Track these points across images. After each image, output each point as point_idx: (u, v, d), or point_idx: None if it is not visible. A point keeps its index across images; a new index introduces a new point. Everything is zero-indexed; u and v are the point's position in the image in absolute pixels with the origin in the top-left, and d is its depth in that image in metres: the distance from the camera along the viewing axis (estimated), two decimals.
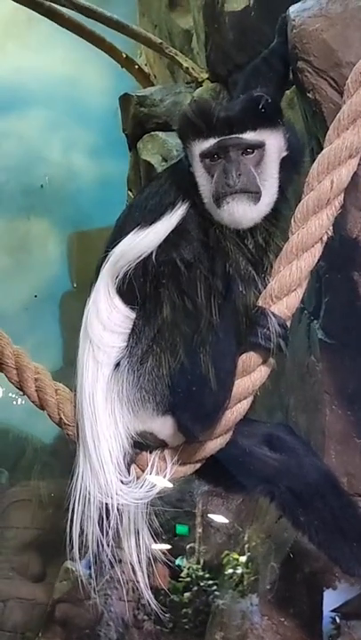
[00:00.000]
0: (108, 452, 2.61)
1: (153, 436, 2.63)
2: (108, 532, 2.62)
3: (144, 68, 7.62)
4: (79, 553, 2.68)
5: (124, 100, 6.58)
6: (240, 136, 2.57)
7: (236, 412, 2.60)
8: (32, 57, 9.38)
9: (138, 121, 6.32)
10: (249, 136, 2.58)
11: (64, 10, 6.91)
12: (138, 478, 2.63)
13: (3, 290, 9.14)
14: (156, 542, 2.73)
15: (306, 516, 2.86)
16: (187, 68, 6.14)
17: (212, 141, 2.59)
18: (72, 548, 2.68)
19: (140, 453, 2.67)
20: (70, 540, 2.68)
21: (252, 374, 2.59)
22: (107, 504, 2.60)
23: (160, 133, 6.11)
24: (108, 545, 2.63)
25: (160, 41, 6.56)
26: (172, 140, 5.88)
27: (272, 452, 2.83)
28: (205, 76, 5.95)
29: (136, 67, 7.44)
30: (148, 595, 2.75)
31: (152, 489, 2.61)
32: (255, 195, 2.57)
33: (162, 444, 2.65)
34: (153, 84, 7.35)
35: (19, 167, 9.51)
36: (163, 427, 2.61)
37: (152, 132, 6.20)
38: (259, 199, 2.58)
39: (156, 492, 2.62)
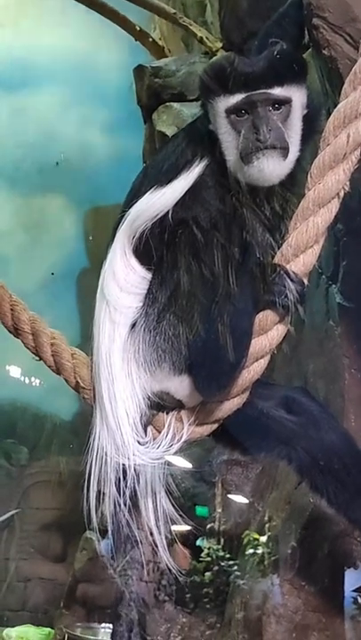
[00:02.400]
0: (125, 412, 2.60)
1: (170, 396, 2.62)
2: (125, 494, 2.62)
3: (158, 41, 7.57)
4: (98, 524, 2.67)
5: (139, 71, 6.56)
6: (268, 91, 2.53)
7: (253, 371, 2.58)
8: (45, 33, 9.34)
9: (152, 92, 6.30)
10: (277, 91, 2.53)
11: None
12: (155, 439, 2.63)
13: (20, 268, 9.16)
14: (176, 513, 2.72)
15: (324, 477, 2.84)
16: (201, 37, 6.11)
17: (238, 97, 2.54)
18: (90, 511, 2.67)
19: (157, 414, 2.65)
20: (88, 503, 2.67)
21: (268, 333, 2.56)
22: (124, 465, 2.60)
23: (175, 104, 6.09)
24: (126, 506, 2.63)
25: (174, 11, 6.53)
26: (187, 111, 5.86)
27: (289, 414, 2.82)
28: (219, 45, 5.92)
29: (150, 39, 7.40)
30: (165, 556, 2.73)
31: (169, 449, 2.60)
32: (284, 150, 2.54)
33: (179, 405, 2.64)
34: (167, 57, 7.31)
35: (34, 144, 9.50)
36: (179, 386, 2.60)
37: (167, 103, 6.18)
38: (287, 155, 2.54)
39: (173, 452, 2.61)
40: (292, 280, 2.52)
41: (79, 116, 9.66)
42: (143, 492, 2.68)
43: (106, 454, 2.62)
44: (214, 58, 5.85)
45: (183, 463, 2.73)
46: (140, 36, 7.27)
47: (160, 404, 2.64)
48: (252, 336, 2.55)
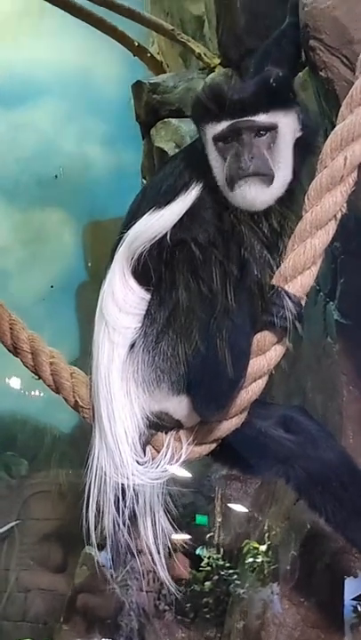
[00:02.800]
0: (124, 432, 2.61)
1: (168, 416, 2.64)
2: (124, 513, 2.63)
3: (156, 56, 7.61)
4: (97, 539, 2.68)
5: (137, 87, 6.59)
6: (252, 118, 2.56)
7: (251, 391, 2.60)
8: (45, 48, 9.38)
9: (151, 108, 6.33)
10: (261, 118, 2.56)
11: None
12: (153, 459, 2.64)
13: (20, 281, 9.18)
14: (175, 530, 2.73)
15: (322, 497, 2.86)
16: (199, 54, 6.14)
17: (224, 124, 2.58)
18: (88, 529, 2.68)
19: (156, 434, 2.66)
20: (87, 521, 2.68)
21: (266, 353, 2.58)
22: (123, 484, 2.61)
23: (173, 120, 6.12)
24: (125, 525, 2.64)
25: (172, 27, 6.57)
26: (185, 127, 5.89)
27: (287, 433, 2.83)
28: (217, 61, 5.95)
29: (148, 55, 7.44)
30: (164, 575, 2.74)
31: (168, 469, 2.61)
32: (268, 177, 2.56)
33: (177, 425, 2.65)
34: (165, 72, 7.35)
35: (33, 158, 9.54)
36: (178, 406, 2.61)
37: (165, 119, 6.21)
38: (271, 181, 2.56)
39: (172, 473, 2.62)
40: (290, 301, 2.54)
41: (78, 130, 9.70)
42: (142, 511, 2.69)
43: (105, 474, 2.63)
44: (211, 75, 5.90)
45: (182, 472, 2.74)
46: (139, 51, 7.31)
47: (159, 424, 2.65)
48: (251, 356, 2.57)
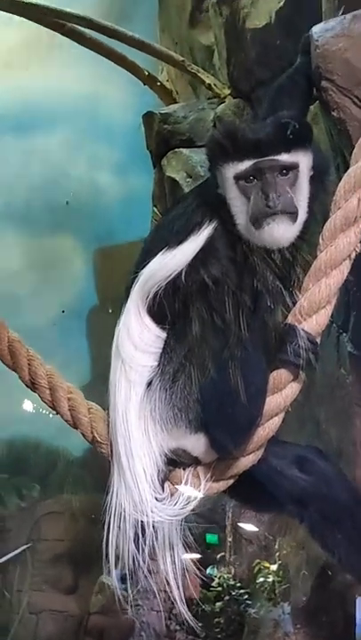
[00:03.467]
0: (142, 469, 2.64)
1: (186, 453, 2.67)
2: (143, 549, 2.65)
3: (166, 83, 7.68)
4: (114, 566, 2.71)
5: (148, 117, 6.66)
6: (276, 158, 2.60)
7: (268, 428, 2.63)
8: (55, 77, 9.47)
9: (162, 138, 6.39)
10: (284, 157, 2.60)
11: (85, 30, 7.00)
12: (172, 495, 2.66)
13: (31, 306, 9.23)
14: (186, 552, 2.76)
15: (335, 539, 2.85)
16: (209, 84, 6.20)
17: (247, 163, 2.61)
18: (108, 564, 2.71)
19: (174, 470, 2.69)
20: (107, 556, 2.70)
21: (283, 391, 2.61)
22: (142, 521, 2.63)
23: (184, 150, 6.18)
24: (144, 562, 2.66)
25: (182, 59, 6.63)
26: (196, 157, 5.95)
27: (302, 473, 2.84)
28: (228, 92, 6.00)
29: (158, 83, 7.50)
30: (183, 609, 2.76)
31: (186, 505, 2.64)
32: (293, 215, 2.61)
33: (195, 461, 2.68)
34: (175, 100, 7.42)
35: (44, 185, 9.61)
36: (196, 444, 2.64)
37: (176, 149, 6.26)
38: (296, 219, 2.61)
39: (191, 509, 2.65)
40: (305, 340, 2.57)
41: (88, 157, 9.78)
42: (161, 547, 2.71)
43: (124, 510, 2.65)
44: (221, 106, 5.95)
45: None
46: (149, 80, 7.38)
47: (177, 461, 2.68)
48: (267, 394, 2.60)
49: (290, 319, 2.61)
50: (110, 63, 7.48)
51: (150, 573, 2.74)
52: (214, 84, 6.13)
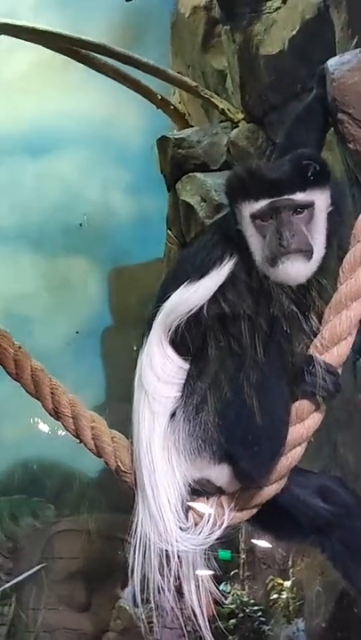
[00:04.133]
0: (167, 499, 2.66)
1: (210, 483, 2.69)
2: (168, 578, 2.68)
3: (178, 106, 7.76)
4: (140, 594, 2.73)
5: (162, 142, 6.73)
6: (291, 197, 2.63)
7: (291, 457, 2.66)
8: (69, 100, 9.59)
9: (176, 162, 6.46)
10: (299, 197, 2.63)
11: (99, 56, 7.08)
12: (196, 524, 2.69)
13: (46, 327, 9.30)
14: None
15: (357, 569, 2.86)
16: (222, 109, 6.26)
17: (262, 203, 2.65)
18: (134, 594, 2.73)
19: (198, 500, 2.72)
20: (133, 586, 2.73)
21: (305, 421, 2.64)
22: (166, 550, 2.66)
23: (198, 174, 6.24)
24: (170, 591, 2.69)
25: (195, 84, 6.71)
26: (210, 181, 6.00)
27: (325, 503, 2.85)
28: (241, 116, 6.07)
29: (171, 107, 7.59)
30: (208, 636, 2.78)
31: (210, 535, 2.67)
32: (308, 253, 2.64)
33: (219, 491, 2.70)
34: (188, 123, 7.50)
35: (58, 207, 9.71)
36: (219, 474, 2.66)
37: (190, 174, 6.32)
38: (311, 256, 2.64)
39: (215, 540, 2.67)
40: (326, 371, 2.60)
41: (102, 178, 9.87)
42: (185, 575, 2.73)
43: (149, 540, 2.68)
44: (235, 130, 6.01)
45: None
46: (162, 103, 7.47)
47: (200, 491, 2.71)
48: (290, 424, 2.63)
49: (311, 350, 2.64)
50: (123, 87, 7.57)
51: (175, 603, 2.76)
52: (228, 109, 6.20)
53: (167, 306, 2.74)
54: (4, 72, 9.62)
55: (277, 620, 4.62)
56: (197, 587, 2.76)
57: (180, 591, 2.75)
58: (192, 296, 2.69)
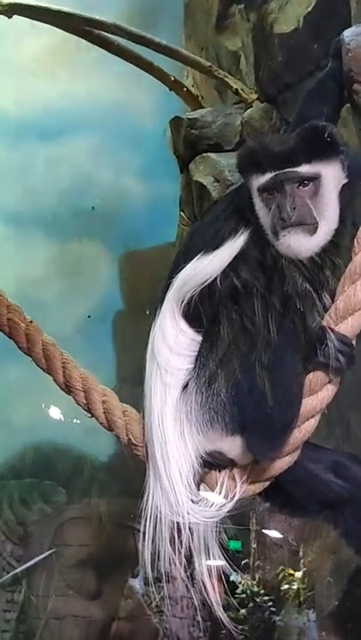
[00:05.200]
0: (178, 471, 2.65)
1: (222, 455, 2.67)
2: (179, 551, 2.67)
3: (191, 89, 7.72)
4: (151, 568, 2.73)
5: (175, 122, 6.70)
6: (294, 169, 2.61)
7: (304, 430, 2.64)
8: (81, 82, 9.56)
9: (189, 143, 6.43)
10: (303, 169, 2.61)
11: (112, 37, 7.05)
12: (208, 497, 2.68)
13: (57, 311, 9.30)
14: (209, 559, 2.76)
15: None
16: (236, 89, 6.22)
17: (268, 176, 2.63)
18: (144, 566, 2.72)
19: (210, 472, 2.71)
20: (143, 558, 2.72)
21: (318, 393, 2.62)
22: (178, 523, 2.65)
23: (212, 154, 6.21)
24: (181, 564, 2.68)
25: (209, 64, 6.67)
26: (223, 161, 5.97)
27: (338, 478, 2.84)
28: (255, 96, 6.03)
29: (184, 89, 7.55)
30: (220, 611, 2.77)
31: (222, 507, 2.65)
32: (311, 227, 2.61)
33: (231, 463, 2.69)
34: (201, 105, 7.46)
35: (70, 191, 9.69)
36: (232, 446, 2.65)
37: (203, 154, 6.29)
38: (315, 230, 2.61)
39: (226, 512, 2.66)
40: (341, 342, 2.58)
41: (114, 162, 9.84)
42: (197, 549, 2.72)
43: (160, 512, 2.67)
44: (249, 110, 5.97)
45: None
46: (175, 85, 7.43)
47: (212, 463, 2.70)
48: (303, 396, 2.61)
49: (325, 322, 2.62)
50: (136, 69, 7.54)
51: (187, 577, 2.75)
52: (242, 89, 6.16)
53: (180, 277, 2.72)
54: (17, 55, 9.58)
55: (288, 610, 4.60)
56: (208, 560, 2.75)
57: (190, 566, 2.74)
58: (206, 267, 2.67)
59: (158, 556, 2.69)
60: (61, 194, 9.67)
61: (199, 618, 5.75)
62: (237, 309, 2.63)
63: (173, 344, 2.72)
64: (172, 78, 7.41)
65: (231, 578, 5.42)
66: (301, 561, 4.62)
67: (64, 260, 9.88)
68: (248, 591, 5.52)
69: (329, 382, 2.63)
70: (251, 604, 5.46)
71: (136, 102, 9.39)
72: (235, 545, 5.57)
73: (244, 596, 5.52)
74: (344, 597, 4.00)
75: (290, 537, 4.99)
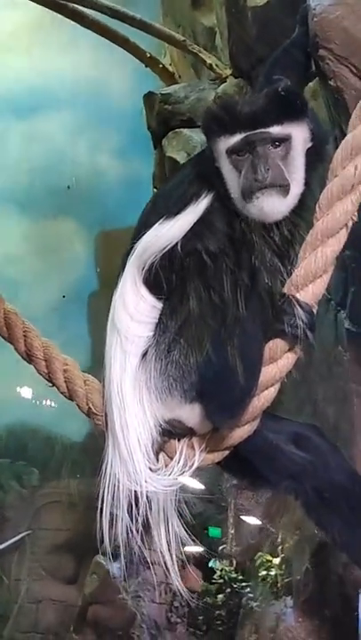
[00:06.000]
0: (137, 440, 2.62)
1: (181, 423, 2.64)
2: (137, 521, 2.64)
3: (168, 66, 7.67)
4: (111, 548, 2.69)
5: (149, 98, 6.65)
6: (267, 130, 2.57)
7: (263, 398, 2.60)
8: (57, 60, 9.45)
9: (162, 118, 6.38)
10: (275, 130, 2.57)
11: (88, 11, 6.97)
12: (166, 466, 2.65)
13: (32, 290, 9.23)
14: (188, 541, 2.74)
15: (330, 517, 2.85)
16: (210, 64, 6.19)
17: (238, 137, 2.59)
18: (102, 536, 2.70)
19: (169, 441, 2.67)
20: (100, 528, 2.69)
21: (278, 361, 2.59)
22: (136, 492, 2.62)
23: (185, 130, 6.17)
24: (138, 533, 2.65)
25: (183, 38, 6.62)
26: (196, 137, 5.92)
27: (299, 449, 2.82)
28: (229, 72, 5.99)
29: (160, 66, 7.49)
30: (179, 584, 2.74)
31: (180, 476, 2.62)
32: (284, 188, 2.57)
33: (190, 432, 2.66)
34: (177, 82, 7.40)
35: (46, 169, 9.60)
36: (190, 414, 2.62)
37: (176, 129, 6.26)
38: (288, 192, 2.58)
39: (184, 481, 2.63)
40: (301, 309, 2.55)
41: (90, 140, 9.76)
42: (155, 518, 2.70)
43: (118, 481, 2.64)
44: (223, 85, 5.92)
45: (195, 484, 2.75)
46: (151, 62, 7.37)
47: (171, 432, 2.66)
48: (262, 364, 2.58)
49: (286, 289, 2.59)
50: (112, 47, 7.48)
51: (145, 547, 2.72)
52: (216, 65, 6.12)
53: (142, 243, 2.68)
54: None
55: (266, 596, 4.61)
56: (167, 531, 2.72)
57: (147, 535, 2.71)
58: (167, 233, 2.63)
59: (116, 526, 2.67)
60: (37, 171, 9.59)
61: (177, 603, 5.76)
62: (198, 276, 2.59)
63: (134, 311, 2.69)
64: (148, 55, 7.35)
65: (210, 564, 5.43)
66: (279, 547, 4.61)
67: (39, 238, 9.80)
68: (226, 577, 5.52)
69: (289, 350, 2.59)
70: (228, 590, 5.46)
71: (112, 80, 9.31)
72: (214, 532, 5.58)
73: (221, 581, 5.53)
74: (309, 575, 4.00)
75: (267, 523, 4.99)
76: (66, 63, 9.44)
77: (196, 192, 2.66)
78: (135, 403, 2.64)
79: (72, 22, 7.37)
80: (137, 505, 2.62)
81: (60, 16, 7.42)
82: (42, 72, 9.44)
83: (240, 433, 2.64)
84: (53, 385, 2.96)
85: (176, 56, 7.73)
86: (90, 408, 2.84)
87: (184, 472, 2.62)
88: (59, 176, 9.53)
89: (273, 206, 2.56)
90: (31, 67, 9.45)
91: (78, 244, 9.95)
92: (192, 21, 7.22)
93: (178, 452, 2.64)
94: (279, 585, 4.48)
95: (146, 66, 7.47)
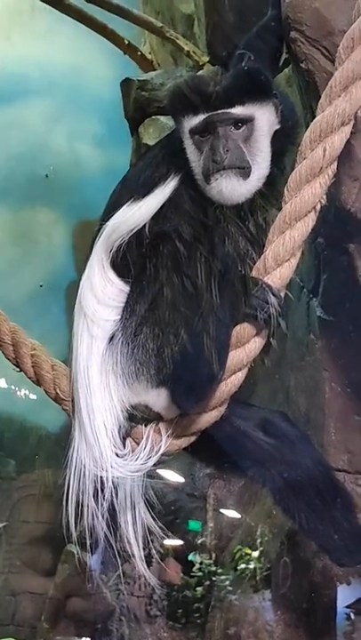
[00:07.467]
0: (103, 424, 2.60)
1: (148, 408, 2.63)
2: (103, 506, 2.61)
3: (147, 54, 7.61)
4: (79, 535, 2.67)
5: (126, 84, 6.59)
6: (228, 111, 2.54)
7: (230, 383, 2.59)
8: (36, 46, 9.33)
9: (139, 105, 6.33)
10: (237, 110, 2.54)
11: None
12: (133, 451, 2.62)
13: (9, 280, 9.13)
14: (167, 535, 2.72)
15: (297, 503, 2.83)
16: (188, 51, 6.14)
17: (200, 117, 2.57)
18: (68, 523, 2.67)
19: (136, 427, 2.65)
20: (67, 515, 2.67)
21: (246, 346, 2.57)
22: (102, 477, 2.59)
23: (161, 117, 6.12)
24: (104, 518, 2.62)
25: (161, 25, 6.56)
26: (173, 124, 5.87)
27: (266, 436, 2.80)
28: (206, 59, 5.94)
29: (139, 53, 7.43)
30: (143, 568, 2.72)
31: (147, 461, 2.60)
32: (245, 170, 2.55)
33: (157, 417, 2.64)
34: (155, 70, 7.35)
35: (23, 157, 9.48)
36: (157, 399, 2.60)
37: (153, 117, 6.20)
38: (248, 174, 2.55)
39: (151, 466, 2.61)
40: (269, 293, 2.52)
41: (69, 129, 9.65)
42: (122, 505, 2.67)
43: (84, 467, 2.61)
44: (199, 72, 5.89)
45: (174, 477, 2.73)
46: (129, 49, 7.30)
47: (138, 417, 2.65)
48: (230, 349, 2.56)
49: (254, 273, 2.57)
50: (91, 35, 7.40)
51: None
52: (193, 51, 6.06)
53: (110, 225, 2.66)
54: None
55: (245, 589, 4.60)
56: (134, 516, 2.70)
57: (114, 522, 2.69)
58: (135, 214, 2.61)
59: (81, 512, 2.64)
60: (13, 160, 9.46)
61: (156, 596, 5.75)
62: (165, 259, 2.56)
63: (101, 294, 2.66)
64: (127, 42, 7.27)
65: (190, 557, 5.41)
66: (258, 540, 4.60)
67: (16, 227, 9.69)
68: (205, 570, 5.51)
69: (257, 335, 2.58)
70: (207, 583, 5.45)
71: (92, 69, 9.21)
72: (194, 526, 5.56)
73: (200, 574, 5.51)
74: (288, 569, 3.98)
75: (248, 518, 4.98)
76: (45, 50, 9.31)
77: (164, 173, 2.64)
78: (102, 387, 2.62)
79: (51, 8, 7.30)
80: (103, 491, 2.60)
81: (39, 2, 7.34)
82: (19, 59, 9.32)
83: (207, 418, 2.63)
84: (21, 370, 2.94)
85: (155, 44, 7.68)
86: (57, 393, 2.83)
87: (150, 457, 2.60)
88: (36, 165, 9.42)
89: (232, 188, 2.53)
90: (8, 53, 9.33)
91: (56, 234, 9.85)
92: (171, 8, 7.17)
93: (144, 438, 2.61)
94: (258, 578, 4.46)
95: (124, 53, 7.39)
